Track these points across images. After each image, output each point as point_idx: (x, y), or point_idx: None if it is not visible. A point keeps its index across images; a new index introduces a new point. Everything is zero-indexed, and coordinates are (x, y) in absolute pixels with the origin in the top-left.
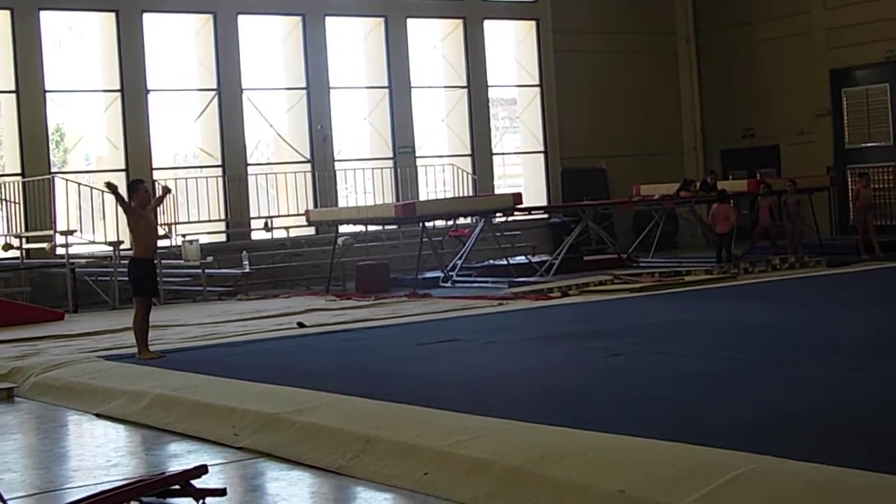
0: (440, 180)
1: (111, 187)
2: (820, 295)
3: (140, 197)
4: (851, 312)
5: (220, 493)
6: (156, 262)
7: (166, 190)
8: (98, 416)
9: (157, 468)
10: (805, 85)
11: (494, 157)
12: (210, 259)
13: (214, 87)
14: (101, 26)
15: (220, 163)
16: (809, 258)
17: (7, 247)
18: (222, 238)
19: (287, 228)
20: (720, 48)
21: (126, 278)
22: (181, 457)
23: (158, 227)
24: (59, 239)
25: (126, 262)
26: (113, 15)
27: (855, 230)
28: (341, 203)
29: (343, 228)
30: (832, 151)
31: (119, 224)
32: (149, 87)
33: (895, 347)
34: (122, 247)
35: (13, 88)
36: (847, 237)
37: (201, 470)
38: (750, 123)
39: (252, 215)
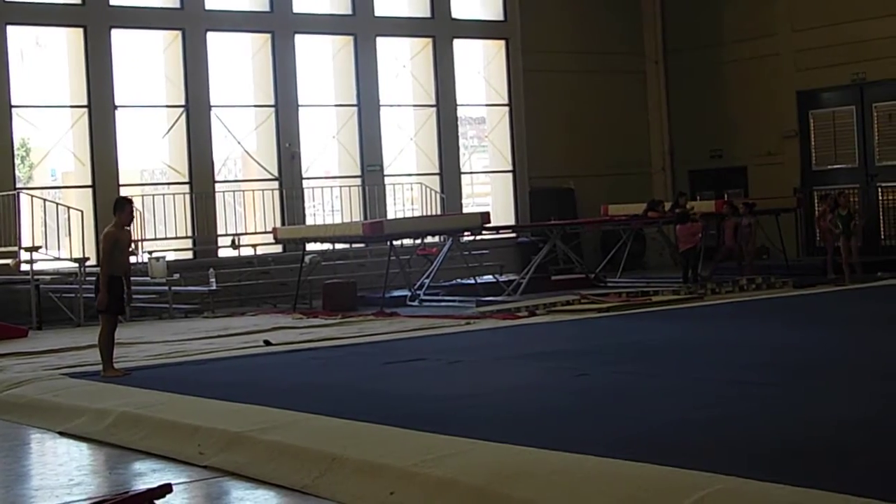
0: (408, 199)
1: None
2: (785, 315)
3: (125, 217)
4: (816, 332)
5: None
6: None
7: None
8: (61, 434)
9: (120, 487)
10: (772, 106)
11: (463, 176)
12: (176, 276)
13: (182, 103)
14: (68, 41)
15: (187, 179)
16: (776, 279)
17: None
18: (189, 255)
19: (254, 246)
20: (689, 69)
21: (92, 295)
22: (145, 475)
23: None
24: (24, 255)
25: (93, 277)
26: (81, 30)
27: (821, 251)
28: (309, 221)
29: (311, 246)
30: (799, 173)
31: (85, 240)
32: (116, 103)
33: (871, 367)
34: (87, 263)
35: None
36: (814, 258)
37: (165, 489)
38: (718, 144)
39: (219, 232)
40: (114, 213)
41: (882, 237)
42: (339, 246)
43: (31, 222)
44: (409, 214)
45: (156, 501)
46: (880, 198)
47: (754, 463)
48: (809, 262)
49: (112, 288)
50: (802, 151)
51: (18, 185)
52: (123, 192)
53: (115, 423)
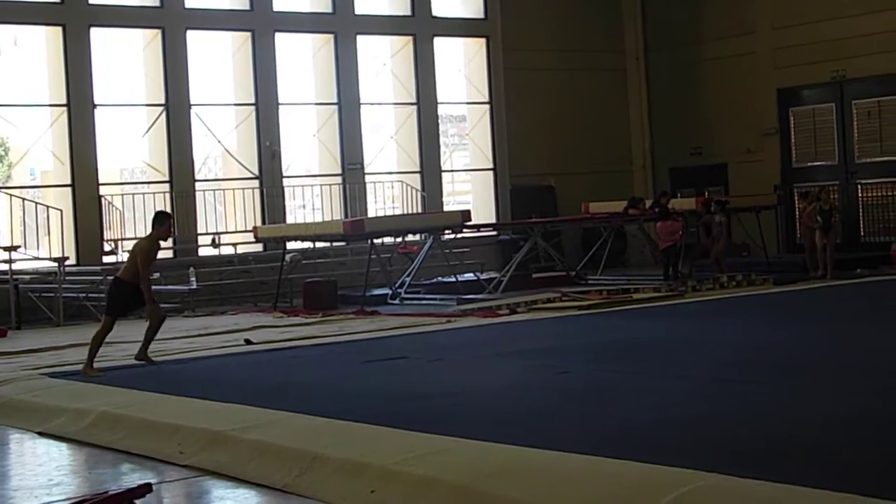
0: (389, 197)
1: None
2: (767, 313)
3: (162, 231)
4: (797, 329)
5: None
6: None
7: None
8: (40, 434)
9: (100, 487)
10: (752, 104)
11: (443, 174)
12: (157, 275)
13: (162, 102)
14: (47, 40)
15: (167, 178)
16: (756, 276)
17: None
18: (169, 254)
19: (235, 245)
20: (669, 67)
21: (73, 295)
22: (125, 475)
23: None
24: (3, 255)
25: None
26: (60, 29)
27: (802, 248)
28: (289, 219)
29: (291, 245)
30: (779, 170)
31: (64, 240)
32: (96, 102)
33: (853, 364)
34: (66, 262)
35: None
36: (794, 255)
37: (145, 488)
38: (698, 142)
39: (199, 231)
40: (152, 226)
41: (862, 234)
42: (319, 244)
43: (9, 221)
44: (389, 213)
45: (136, 501)
46: (860, 195)
47: (736, 460)
48: (790, 259)
49: (120, 291)
50: (782, 149)
51: None
52: (103, 191)
53: (95, 423)
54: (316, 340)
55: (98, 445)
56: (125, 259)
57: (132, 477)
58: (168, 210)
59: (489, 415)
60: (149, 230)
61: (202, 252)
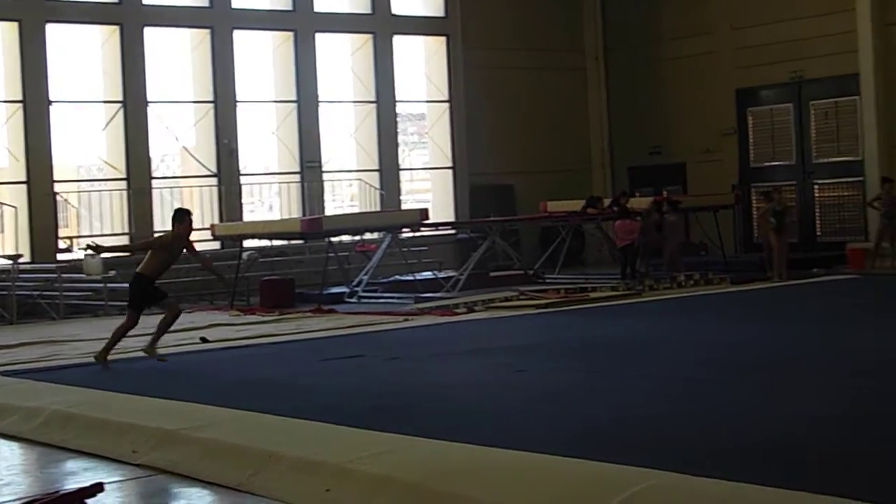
0: (347, 195)
1: (97, 249)
2: (725, 312)
3: (182, 228)
4: (756, 328)
5: None
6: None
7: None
8: None
9: (51, 486)
10: (711, 104)
11: (402, 172)
12: (113, 273)
13: (120, 99)
14: (3, 36)
15: (124, 176)
16: (713, 275)
17: None
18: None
19: (192, 242)
20: (629, 66)
21: (25, 293)
22: (77, 475)
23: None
24: None
25: (31, 275)
26: (16, 25)
27: (759, 248)
28: (247, 217)
29: (248, 243)
30: (738, 170)
31: (19, 237)
32: (51, 98)
33: (815, 363)
34: (20, 260)
35: None
36: (751, 255)
37: (97, 488)
38: (657, 141)
39: (156, 229)
40: (172, 224)
41: (818, 234)
42: (277, 242)
43: None
44: (347, 211)
45: (87, 501)
46: (816, 194)
47: (697, 459)
48: (747, 259)
49: (140, 286)
50: (741, 148)
51: None
52: (58, 188)
53: (47, 422)
54: (272, 339)
55: (50, 445)
56: (80, 257)
57: (84, 476)
58: (127, 207)
59: (445, 413)
60: (105, 227)
61: None
